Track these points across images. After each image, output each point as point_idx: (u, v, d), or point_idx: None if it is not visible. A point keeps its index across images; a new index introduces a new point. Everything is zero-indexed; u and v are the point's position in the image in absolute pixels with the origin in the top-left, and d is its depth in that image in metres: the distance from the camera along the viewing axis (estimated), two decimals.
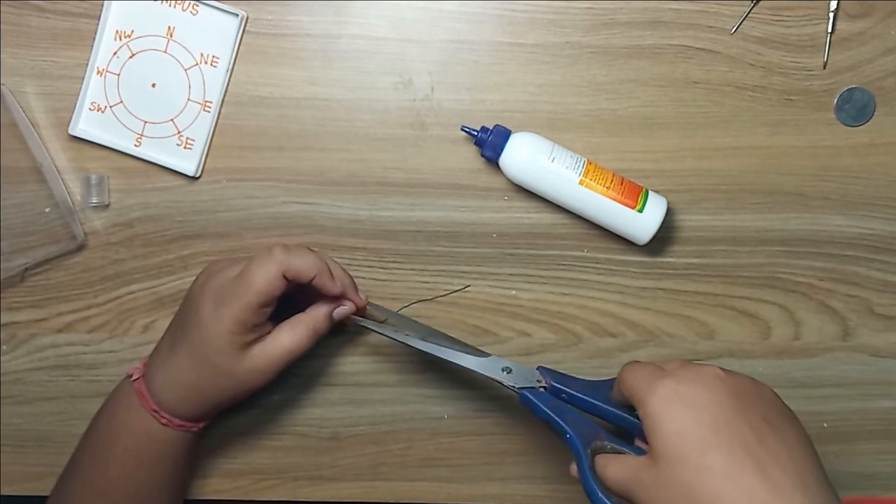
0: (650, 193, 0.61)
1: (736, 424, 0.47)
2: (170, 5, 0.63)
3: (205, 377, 0.57)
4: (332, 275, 0.58)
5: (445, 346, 0.59)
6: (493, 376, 0.58)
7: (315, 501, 0.67)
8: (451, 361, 0.59)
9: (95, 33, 0.63)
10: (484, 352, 0.60)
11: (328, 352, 0.66)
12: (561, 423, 0.54)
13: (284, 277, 0.55)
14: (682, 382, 0.48)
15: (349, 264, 0.65)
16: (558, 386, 0.56)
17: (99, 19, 0.62)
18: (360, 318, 0.61)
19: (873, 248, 0.65)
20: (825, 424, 0.66)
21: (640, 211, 0.60)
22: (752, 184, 0.65)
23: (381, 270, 0.65)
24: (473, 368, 0.59)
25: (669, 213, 0.63)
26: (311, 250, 0.58)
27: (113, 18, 0.63)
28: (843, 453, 0.67)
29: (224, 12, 0.63)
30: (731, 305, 0.66)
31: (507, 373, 0.58)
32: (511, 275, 0.66)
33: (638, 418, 0.49)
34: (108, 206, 0.65)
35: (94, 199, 0.64)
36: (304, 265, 0.56)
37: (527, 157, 0.60)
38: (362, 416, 0.67)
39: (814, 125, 0.64)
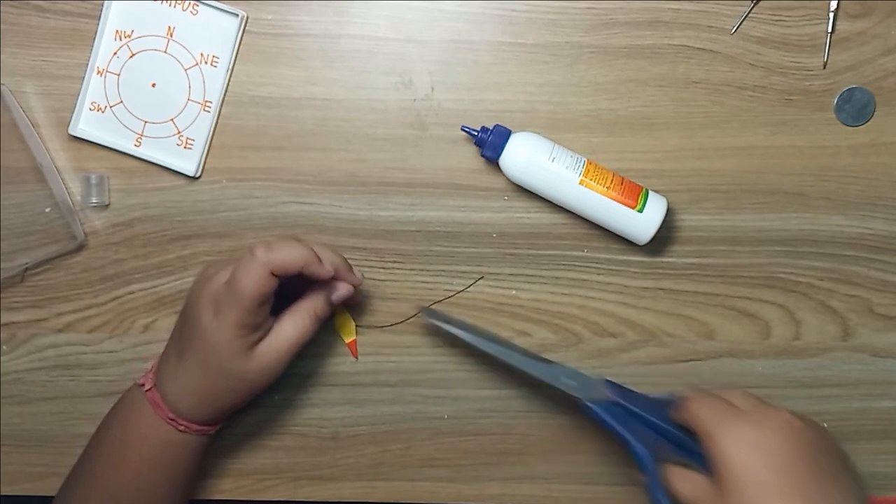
0: (650, 193, 0.61)
1: (804, 474, 0.48)
2: (170, 5, 0.63)
3: (217, 383, 0.57)
4: (320, 260, 0.57)
5: (513, 352, 0.60)
6: (558, 385, 0.58)
7: (315, 501, 0.67)
8: (517, 367, 0.59)
9: (95, 33, 0.63)
10: (549, 360, 0.60)
11: (328, 352, 0.66)
12: (632, 440, 0.55)
13: (273, 275, 0.55)
14: (755, 427, 0.49)
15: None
16: (622, 402, 0.57)
17: (99, 19, 0.62)
18: (437, 320, 0.61)
19: (873, 248, 0.65)
20: (825, 424, 0.66)
21: (641, 211, 0.60)
22: (752, 184, 0.65)
23: (381, 270, 0.65)
24: (540, 376, 0.59)
25: (669, 212, 0.63)
26: (296, 240, 0.57)
27: (113, 18, 0.63)
28: None
29: (224, 12, 0.63)
30: (731, 305, 0.66)
31: (573, 381, 0.59)
32: (511, 275, 0.66)
33: (699, 440, 0.51)
34: (108, 206, 0.65)
35: (94, 199, 0.64)
36: (289, 259, 0.55)
37: (527, 157, 0.60)
38: (362, 416, 0.67)
39: (814, 125, 0.64)
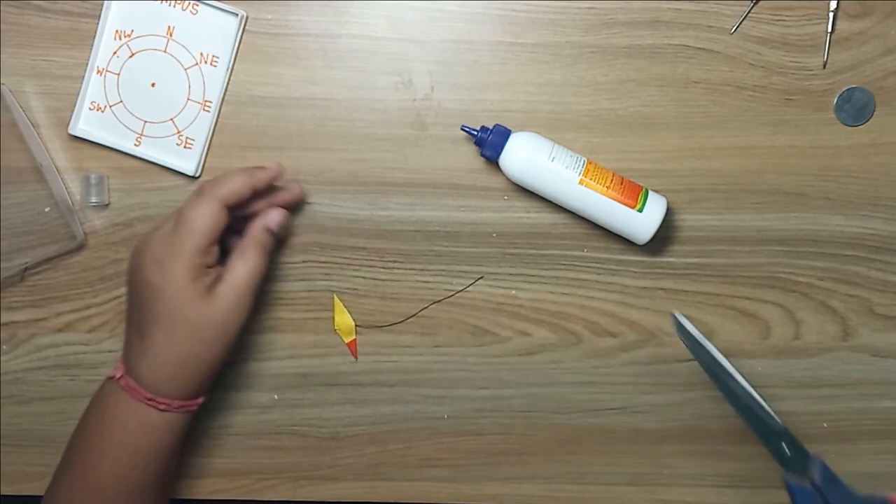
0: (650, 193, 0.61)
1: None
2: (170, 5, 0.63)
3: (187, 341, 0.56)
4: (265, 176, 0.60)
5: (741, 388, 0.57)
6: (768, 445, 0.57)
7: (315, 501, 0.67)
8: (738, 402, 0.58)
9: (95, 33, 0.63)
10: (775, 418, 0.57)
11: (328, 352, 0.66)
12: None
13: (225, 207, 0.56)
14: None
15: (349, 264, 0.65)
16: (824, 493, 0.53)
17: (99, 19, 0.62)
18: (685, 326, 0.61)
19: (873, 248, 0.65)
20: (825, 424, 0.66)
21: (640, 210, 0.60)
22: (752, 184, 0.65)
23: (382, 270, 0.65)
24: (753, 427, 0.58)
25: (669, 212, 0.63)
26: (237, 170, 0.59)
27: (113, 18, 0.63)
28: (843, 453, 0.67)
29: (224, 12, 0.63)
30: (731, 305, 0.66)
31: (786, 447, 0.57)
32: (511, 275, 0.66)
33: None
34: (107, 205, 0.65)
35: (94, 199, 0.64)
36: (235, 186, 0.57)
37: (527, 156, 0.60)
38: (362, 416, 0.67)
39: (814, 125, 0.64)
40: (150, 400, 0.57)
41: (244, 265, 0.58)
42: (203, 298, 0.56)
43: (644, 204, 0.60)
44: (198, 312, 0.56)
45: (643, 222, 0.60)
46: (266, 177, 0.60)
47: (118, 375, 0.58)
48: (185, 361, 0.57)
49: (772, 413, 0.57)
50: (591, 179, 0.60)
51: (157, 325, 0.56)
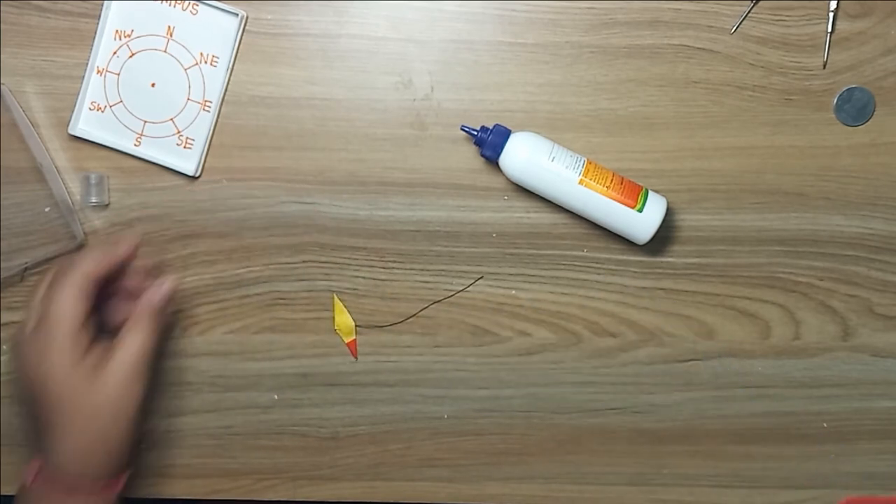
0: (650, 193, 0.61)
1: None
2: (170, 5, 0.63)
3: (90, 424, 0.55)
4: (121, 251, 0.58)
5: None
6: None
7: (315, 501, 0.67)
8: None
9: (95, 33, 0.63)
10: None
11: (328, 352, 0.66)
12: None
13: (86, 288, 0.55)
14: None
15: (349, 264, 0.65)
16: None
17: (99, 19, 0.62)
18: None
19: (873, 248, 0.65)
20: (825, 424, 0.66)
21: (640, 211, 0.60)
22: (752, 184, 0.65)
23: (382, 270, 0.65)
24: None
25: (669, 212, 0.63)
26: (92, 248, 0.59)
27: (113, 18, 0.63)
28: (843, 453, 0.67)
29: (224, 12, 0.63)
30: (731, 305, 0.66)
31: None
32: (511, 275, 0.66)
33: None
34: (107, 205, 0.65)
35: (94, 199, 0.64)
36: (91, 267, 0.56)
37: (526, 156, 0.60)
38: (362, 416, 0.67)
39: (814, 125, 0.64)
40: (71, 488, 0.55)
41: (132, 340, 0.56)
42: (91, 379, 0.55)
43: (644, 204, 0.60)
44: (90, 394, 0.54)
45: (643, 222, 0.60)
46: (123, 250, 0.58)
47: (32, 476, 0.56)
48: (94, 444, 0.55)
49: None
50: (591, 179, 0.60)
51: (57, 416, 0.55)
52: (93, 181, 0.64)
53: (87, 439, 0.55)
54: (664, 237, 0.65)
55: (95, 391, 0.55)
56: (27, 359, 0.56)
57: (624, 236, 0.62)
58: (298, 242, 0.65)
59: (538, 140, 0.61)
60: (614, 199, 0.60)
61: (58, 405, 0.55)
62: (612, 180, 0.60)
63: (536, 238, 0.65)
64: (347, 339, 0.66)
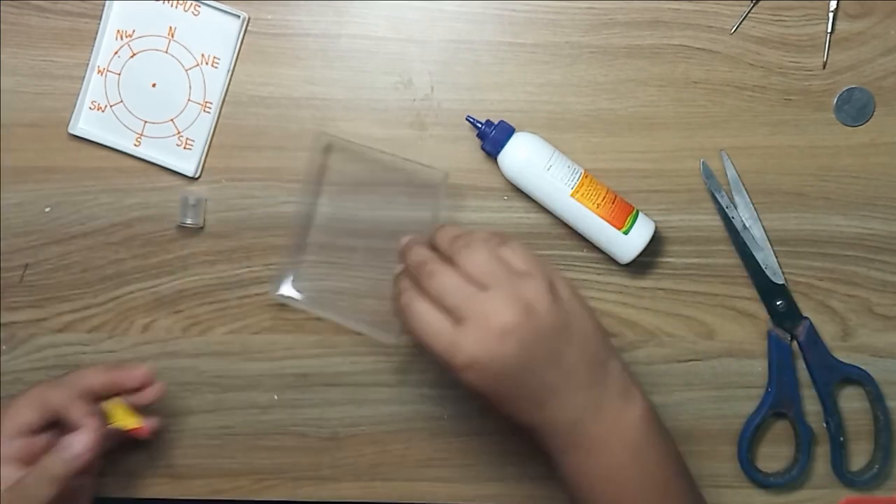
0: (640, 216, 0.61)
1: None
2: (171, 6, 0.63)
3: None
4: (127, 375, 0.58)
5: None
6: (764, 298, 0.65)
7: (315, 501, 0.67)
8: (750, 268, 0.64)
9: (96, 33, 0.63)
10: (780, 273, 0.64)
11: (328, 352, 0.66)
12: None
13: (47, 408, 0.55)
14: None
15: (349, 264, 0.65)
16: (805, 347, 0.63)
17: (100, 18, 0.63)
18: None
19: (873, 248, 0.65)
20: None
21: (626, 233, 0.60)
22: (752, 184, 0.65)
23: (381, 270, 0.65)
24: (756, 287, 0.64)
25: (669, 213, 0.63)
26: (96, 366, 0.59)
27: (114, 18, 0.63)
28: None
29: (225, 13, 0.63)
30: (731, 305, 0.66)
31: (781, 302, 0.64)
32: None
33: None
34: (202, 228, 0.64)
35: (189, 221, 0.64)
36: (92, 377, 0.57)
37: (524, 159, 0.60)
38: (362, 416, 0.67)
39: (814, 125, 0.64)
40: None
41: (32, 492, 0.53)
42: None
43: (631, 227, 0.61)
44: None
45: (627, 245, 0.61)
46: (130, 376, 0.58)
47: None
48: None
49: (777, 268, 0.63)
50: (582, 195, 0.60)
51: None
52: (191, 202, 0.64)
53: None
54: (664, 237, 0.65)
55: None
56: None
57: (607, 254, 0.62)
58: (298, 242, 0.65)
59: (539, 145, 0.61)
60: (602, 218, 0.60)
61: None
62: (604, 198, 0.61)
63: (536, 238, 0.65)
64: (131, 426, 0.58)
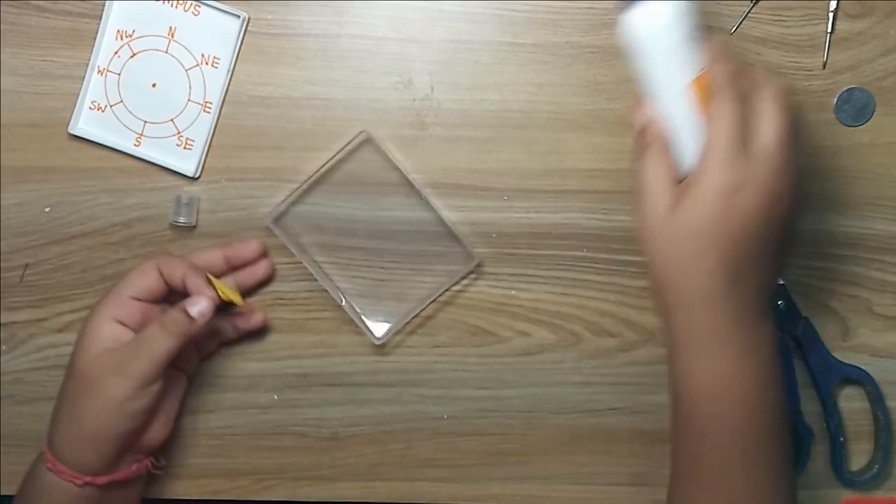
0: None
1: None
2: (171, 6, 0.63)
3: (93, 413, 0.55)
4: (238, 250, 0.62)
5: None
6: None
7: (315, 501, 0.67)
8: None
9: (96, 33, 0.63)
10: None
11: (328, 352, 0.66)
12: None
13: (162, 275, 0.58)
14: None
15: (349, 264, 0.65)
16: (804, 345, 0.63)
17: (100, 18, 0.63)
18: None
19: (873, 248, 0.65)
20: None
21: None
22: None
23: (382, 270, 0.65)
24: None
25: None
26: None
27: (114, 18, 0.63)
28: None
29: (226, 13, 0.63)
30: None
31: (781, 301, 0.63)
32: (511, 275, 0.65)
33: None
34: (194, 227, 0.64)
35: (182, 219, 0.63)
36: (180, 268, 0.58)
37: (664, 24, 0.48)
38: (362, 416, 0.67)
39: (814, 125, 0.64)
40: (60, 472, 0.55)
41: (151, 344, 0.55)
42: (114, 373, 0.54)
43: None
44: (105, 386, 0.54)
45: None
46: (238, 251, 0.62)
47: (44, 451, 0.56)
48: (87, 435, 0.55)
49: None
50: (698, 91, 0.49)
51: (66, 390, 0.57)
52: (184, 200, 0.64)
53: (83, 428, 0.55)
54: None
55: (109, 386, 0.56)
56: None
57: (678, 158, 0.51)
58: (298, 243, 0.65)
59: (688, 13, 0.49)
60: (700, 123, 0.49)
61: (75, 380, 0.57)
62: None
63: (536, 238, 0.65)
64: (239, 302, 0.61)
